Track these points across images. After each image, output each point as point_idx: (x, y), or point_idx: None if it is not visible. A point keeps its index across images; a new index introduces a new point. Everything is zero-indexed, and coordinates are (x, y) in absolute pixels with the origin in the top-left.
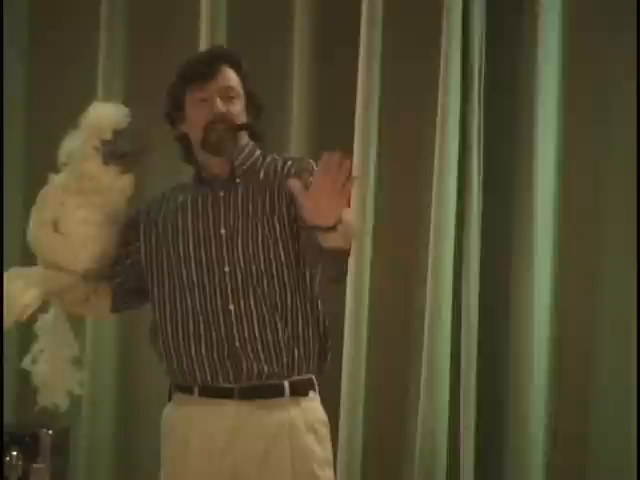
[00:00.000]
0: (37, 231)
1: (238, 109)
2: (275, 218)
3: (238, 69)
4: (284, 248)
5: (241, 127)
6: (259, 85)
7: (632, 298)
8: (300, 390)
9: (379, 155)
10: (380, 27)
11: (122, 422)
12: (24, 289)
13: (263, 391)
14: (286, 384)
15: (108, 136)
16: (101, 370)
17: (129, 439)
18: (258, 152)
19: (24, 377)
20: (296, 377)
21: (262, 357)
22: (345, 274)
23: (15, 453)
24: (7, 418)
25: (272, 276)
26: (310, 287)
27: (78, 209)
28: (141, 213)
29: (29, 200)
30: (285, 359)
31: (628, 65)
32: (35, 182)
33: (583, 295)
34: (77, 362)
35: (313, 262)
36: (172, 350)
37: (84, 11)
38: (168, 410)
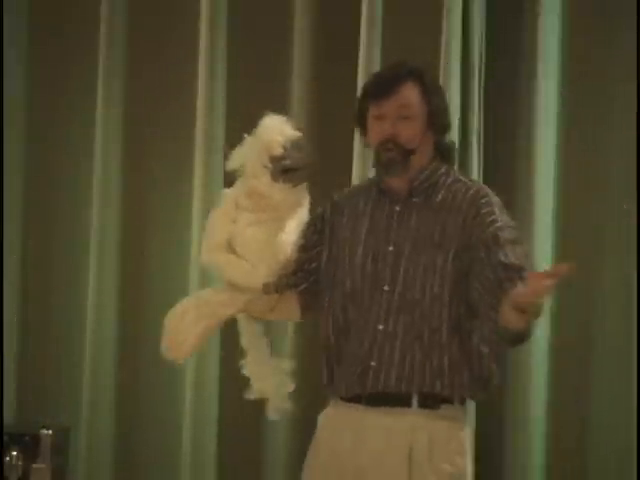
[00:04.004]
0: (210, 255)
1: (411, 130)
2: (440, 250)
3: (422, 85)
4: (441, 283)
5: (410, 152)
6: (259, 85)
7: (632, 299)
8: (429, 402)
9: None
10: (380, 27)
11: (122, 422)
12: (192, 325)
13: (389, 399)
14: (414, 395)
15: (278, 152)
16: (101, 370)
17: (129, 439)
18: (442, 171)
19: (24, 377)
20: (427, 390)
21: (393, 376)
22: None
23: (15, 453)
24: (7, 418)
25: (422, 307)
26: (464, 323)
27: (250, 227)
28: (325, 214)
29: (29, 200)
30: (418, 381)
31: (628, 66)
32: (35, 182)
33: (583, 297)
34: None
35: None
36: (333, 361)
37: (84, 11)
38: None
